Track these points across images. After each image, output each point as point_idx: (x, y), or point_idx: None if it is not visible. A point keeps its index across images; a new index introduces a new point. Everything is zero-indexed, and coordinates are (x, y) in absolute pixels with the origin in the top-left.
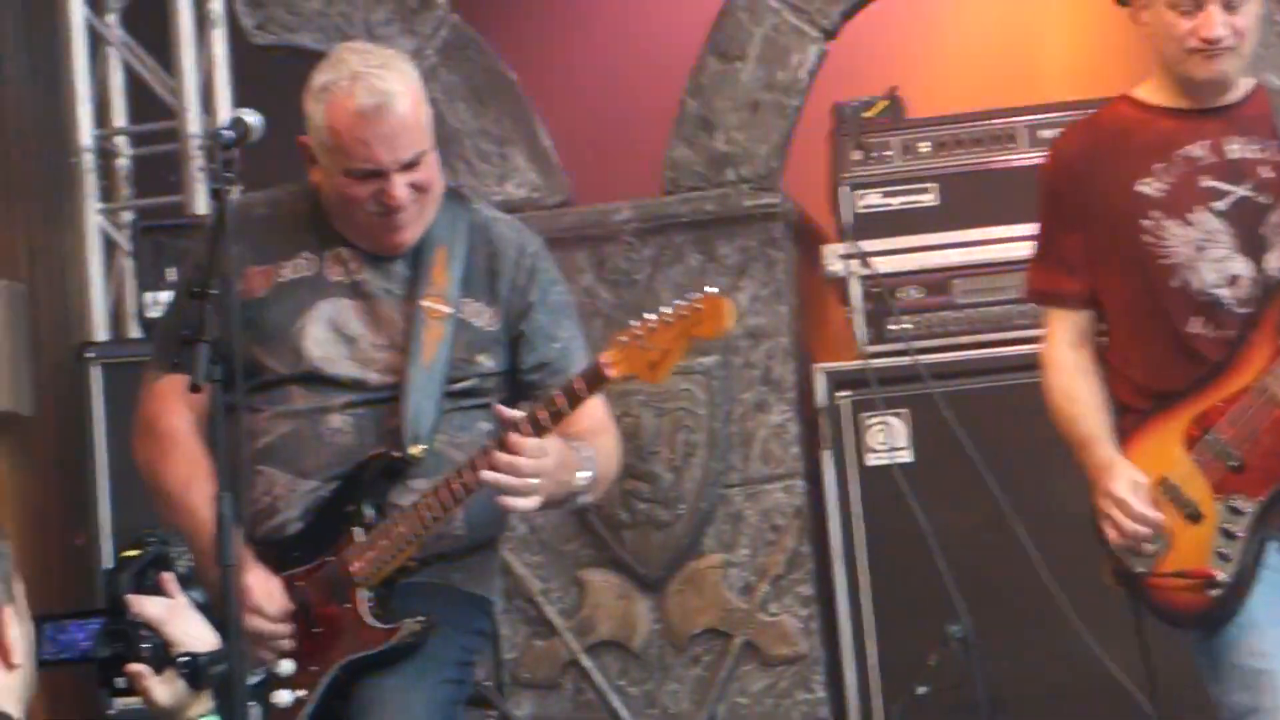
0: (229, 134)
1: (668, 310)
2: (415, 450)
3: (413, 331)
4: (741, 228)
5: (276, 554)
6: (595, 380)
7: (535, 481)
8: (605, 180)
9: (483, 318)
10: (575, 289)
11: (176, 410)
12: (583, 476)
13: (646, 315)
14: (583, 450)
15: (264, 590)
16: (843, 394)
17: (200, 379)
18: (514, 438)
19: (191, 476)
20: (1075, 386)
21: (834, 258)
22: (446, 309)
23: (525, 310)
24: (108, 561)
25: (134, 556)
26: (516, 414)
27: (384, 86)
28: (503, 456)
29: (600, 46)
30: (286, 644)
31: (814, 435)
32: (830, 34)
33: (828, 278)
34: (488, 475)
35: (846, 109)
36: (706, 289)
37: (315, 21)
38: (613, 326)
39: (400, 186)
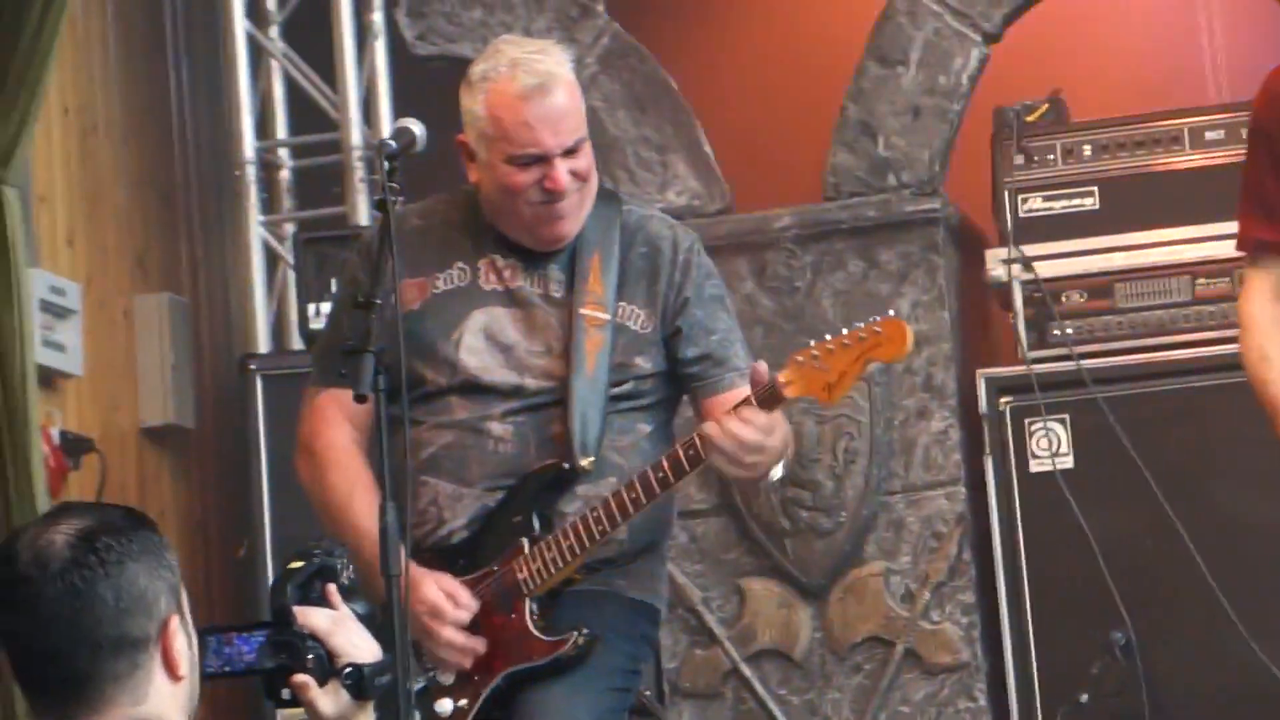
0: (393, 144)
1: (846, 332)
2: (585, 463)
3: (574, 342)
4: (903, 233)
5: (442, 563)
6: (772, 399)
7: (749, 459)
8: (765, 187)
9: (639, 320)
10: (736, 297)
11: (337, 426)
12: (776, 470)
13: (826, 337)
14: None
15: (448, 591)
16: (1005, 399)
17: (365, 389)
18: (748, 411)
19: (353, 490)
20: (1272, 345)
21: (996, 263)
22: (605, 315)
23: (682, 306)
24: (270, 574)
25: (298, 568)
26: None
27: (545, 69)
28: (731, 424)
29: (760, 52)
30: (480, 647)
31: (976, 442)
32: (992, 37)
33: (990, 283)
34: (707, 427)
35: (1008, 113)
36: (889, 312)
37: (476, 32)
38: (773, 334)
39: (563, 171)
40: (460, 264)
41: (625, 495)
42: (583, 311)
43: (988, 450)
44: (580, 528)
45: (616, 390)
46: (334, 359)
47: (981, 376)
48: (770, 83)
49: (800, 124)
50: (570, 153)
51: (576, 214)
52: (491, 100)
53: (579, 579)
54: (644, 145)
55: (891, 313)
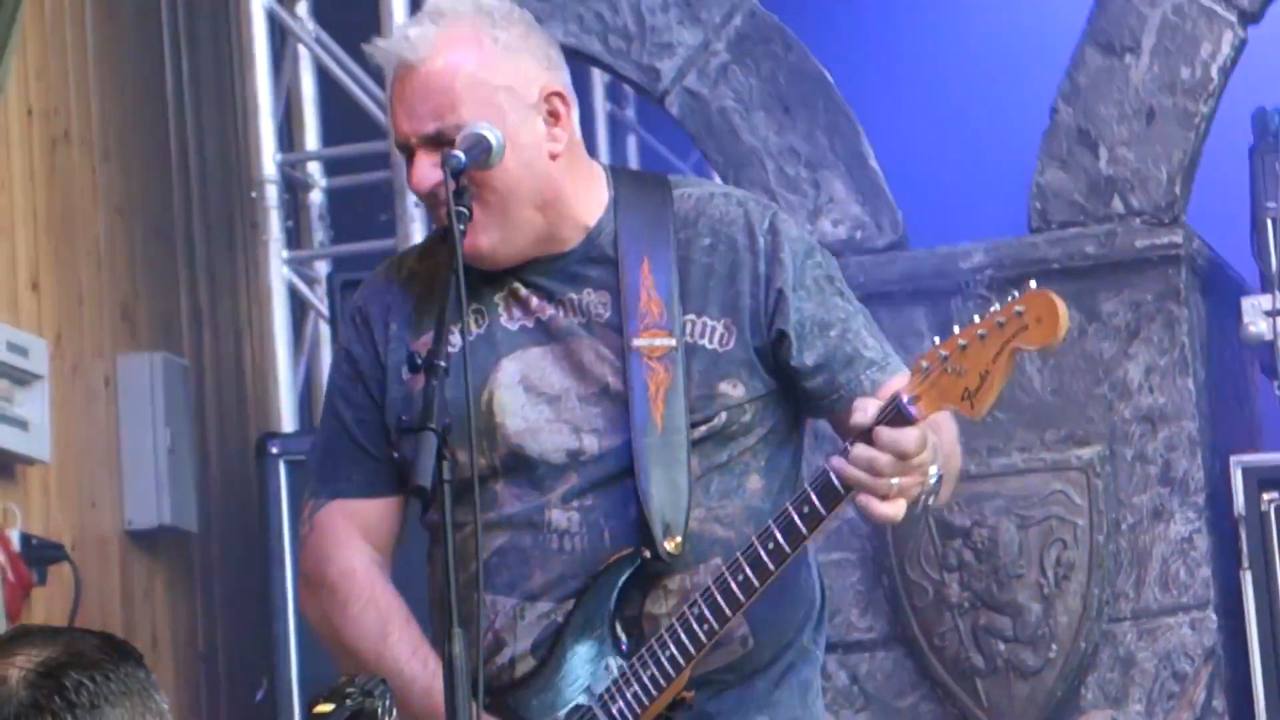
0: (461, 156)
1: (979, 319)
2: (670, 545)
3: (631, 383)
4: (1133, 276)
5: (505, 704)
6: (894, 424)
7: (896, 482)
8: (951, 215)
9: (715, 336)
10: (911, 358)
11: (351, 546)
12: (932, 470)
13: (955, 329)
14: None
15: None
16: (1269, 496)
17: (425, 479)
18: (889, 433)
19: (386, 626)
20: None
21: (1256, 314)
22: (669, 341)
23: (777, 303)
24: (296, 719)
25: (328, 712)
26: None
27: (413, 33)
28: (862, 450)
29: (942, 38)
30: None
31: (1230, 552)
32: (1251, 16)
33: (1248, 341)
34: (836, 461)
35: (1272, 116)
36: (1031, 284)
37: (570, 9)
38: None
39: (424, 167)
40: (474, 305)
41: (730, 579)
42: (638, 343)
43: (1246, 563)
44: (680, 631)
45: (702, 431)
46: (337, 461)
47: (1237, 465)
48: (956, 76)
49: (996, 132)
50: (437, 141)
51: (483, 228)
52: None
53: (690, 697)
54: (789, 158)
55: (1033, 284)
